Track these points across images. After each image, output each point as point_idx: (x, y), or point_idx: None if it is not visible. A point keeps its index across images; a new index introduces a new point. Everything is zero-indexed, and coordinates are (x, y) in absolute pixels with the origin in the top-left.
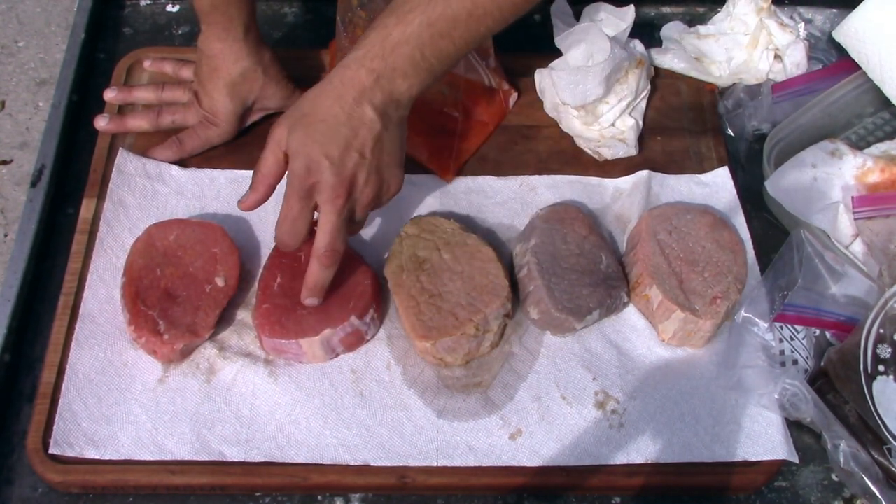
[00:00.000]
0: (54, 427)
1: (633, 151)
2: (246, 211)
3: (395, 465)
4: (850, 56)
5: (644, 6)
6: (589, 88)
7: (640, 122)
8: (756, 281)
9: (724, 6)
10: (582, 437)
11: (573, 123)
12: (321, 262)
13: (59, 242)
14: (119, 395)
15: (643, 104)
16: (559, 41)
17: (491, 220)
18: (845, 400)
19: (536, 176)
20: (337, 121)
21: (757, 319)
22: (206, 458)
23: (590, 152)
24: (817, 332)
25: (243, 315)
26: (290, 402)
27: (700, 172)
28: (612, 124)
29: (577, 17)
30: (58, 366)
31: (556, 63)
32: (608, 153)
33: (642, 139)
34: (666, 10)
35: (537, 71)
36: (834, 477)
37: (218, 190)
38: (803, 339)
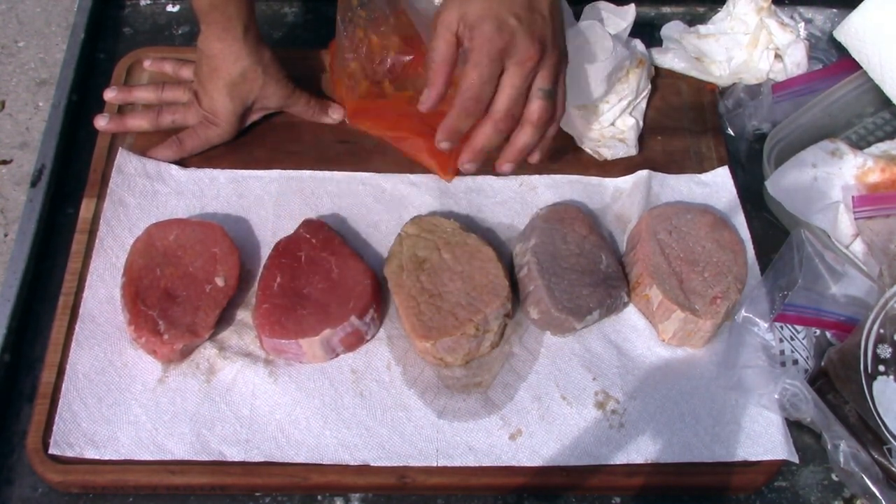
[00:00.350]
0: (54, 427)
1: (633, 151)
2: (427, 111)
3: (395, 465)
4: (850, 56)
5: (644, 6)
6: (591, 87)
7: (641, 122)
8: (756, 281)
9: (725, 6)
10: (582, 437)
11: (574, 123)
12: (496, 126)
13: (58, 242)
14: (119, 395)
15: (643, 104)
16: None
17: (491, 220)
18: (845, 400)
19: (536, 176)
20: None
21: (757, 319)
22: (206, 458)
23: (590, 152)
24: (817, 332)
25: (243, 315)
26: (290, 402)
27: (700, 172)
28: (613, 124)
29: (577, 16)
30: (58, 366)
31: None
32: (608, 153)
33: (642, 139)
34: (666, 9)
35: None
36: (834, 477)
37: (218, 190)
38: (803, 339)
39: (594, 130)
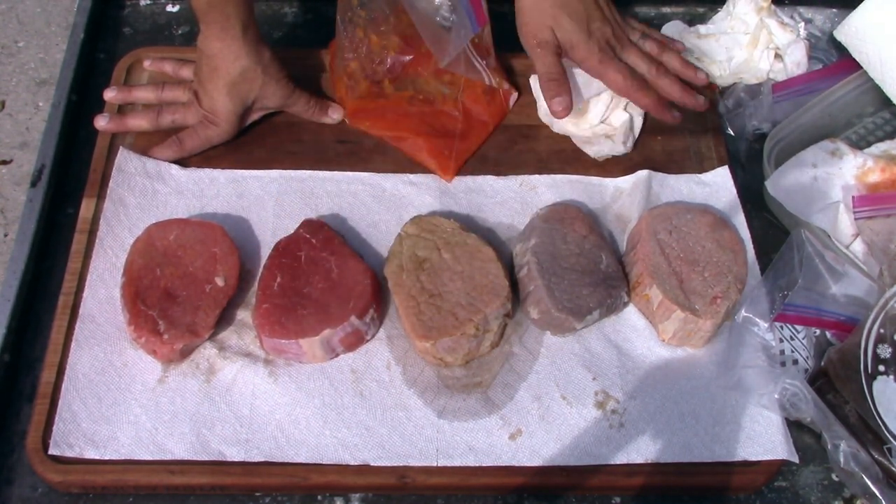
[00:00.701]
0: (54, 427)
1: (620, 149)
2: (563, 117)
3: (395, 465)
4: (850, 55)
5: (644, 6)
6: (580, 85)
7: (639, 120)
8: (756, 281)
9: (725, 6)
10: (582, 437)
11: (566, 125)
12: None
13: (58, 242)
14: (119, 395)
15: None
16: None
17: (491, 220)
18: (845, 400)
19: (536, 176)
20: None
21: (757, 319)
22: (206, 458)
23: (585, 150)
24: (817, 332)
25: (243, 315)
26: (290, 402)
27: (700, 172)
28: (605, 121)
29: None
30: (58, 366)
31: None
32: (592, 150)
33: (642, 139)
34: (666, 9)
35: (532, 76)
36: (834, 477)
37: (218, 190)
38: (803, 339)
39: (585, 130)
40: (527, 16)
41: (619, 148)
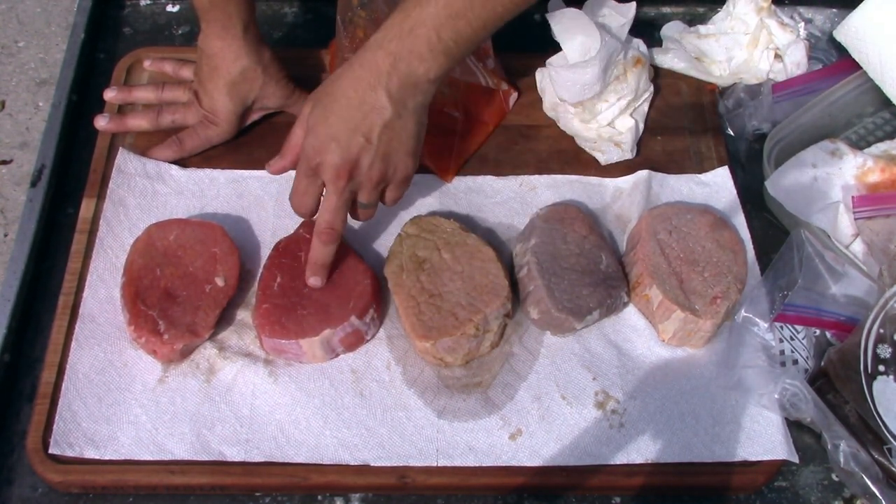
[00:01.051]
0: (54, 427)
1: (628, 155)
2: (273, 174)
3: (395, 465)
4: (850, 56)
5: (644, 6)
6: (587, 84)
7: (641, 125)
8: (756, 281)
9: (725, 6)
10: (582, 437)
11: (571, 123)
12: (320, 239)
13: (58, 242)
14: (119, 395)
15: (645, 106)
16: (551, 17)
17: (491, 220)
18: (845, 400)
19: (536, 176)
20: (350, 104)
21: (757, 319)
22: (206, 458)
23: (590, 152)
24: (817, 332)
25: (243, 315)
26: (290, 402)
27: (700, 172)
28: (610, 124)
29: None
30: (58, 366)
31: (553, 59)
32: (602, 157)
33: (642, 139)
34: (666, 9)
35: (538, 70)
36: (834, 477)
37: (218, 190)
38: (803, 339)
39: (591, 130)
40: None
41: (626, 154)
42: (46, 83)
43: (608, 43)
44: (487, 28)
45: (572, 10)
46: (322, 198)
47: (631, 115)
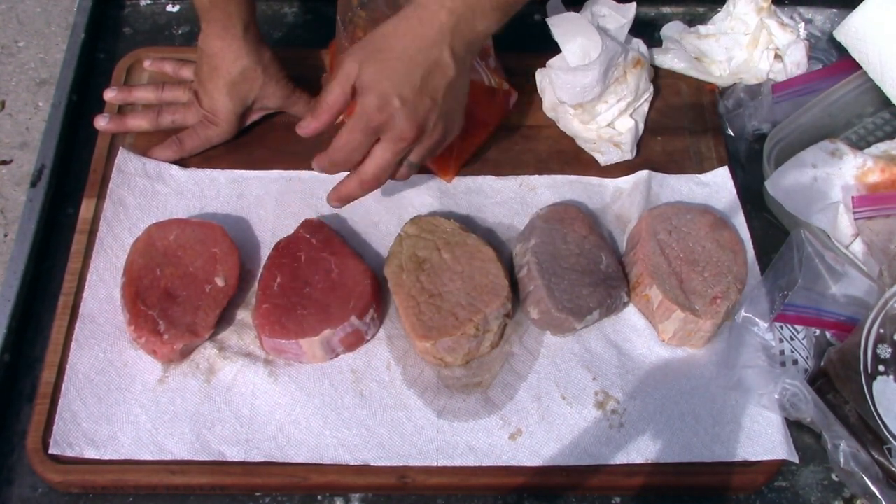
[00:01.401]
0: (54, 427)
1: (628, 156)
2: (305, 136)
3: (395, 465)
4: (850, 56)
5: (644, 6)
6: (587, 86)
7: (641, 126)
8: (756, 281)
9: (725, 6)
10: (582, 437)
11: (571, 123)
12: (362, 185)
13: (58, 242)
14: (119, 395)
15: (645, 107)
16: (550, 21)
17: (491, 220)
18: (845, 400)
19: (536, 176)
20: (413, 62)
21: (757, 319)
22: (206, 458)
23: (590, 153)
24: (817, 332)
25: (243, 315)
26: (290, 402)
27: (700, 172)
28: (610, 125)
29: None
30: (58, 366)
31: (553, 62)
32: (601, 158)
33: (642, 139)
34: (666, 10)
35: (538, 70)
36: (834, 477)
37: (218, 190)
38: (803, 339)
39: (591, 131)
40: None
41: (626, 155)
42: (46, 83)
43: (609, 46)
44: None
45: (572, 14)
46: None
47: (631, 115)
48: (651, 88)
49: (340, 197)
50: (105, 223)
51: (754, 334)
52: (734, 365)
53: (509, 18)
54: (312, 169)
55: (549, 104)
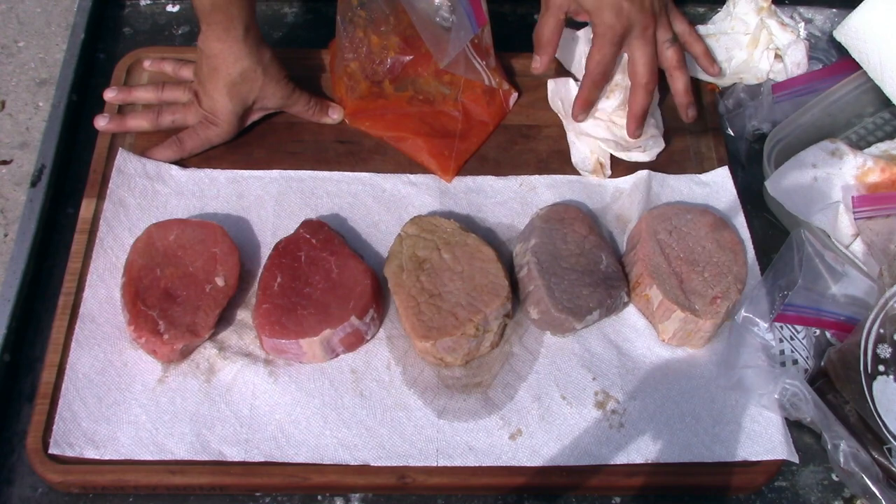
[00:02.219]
0: (54, 427)
1: (662, 144)
2: (540, 73)
3: (395, 465)
4: (850, 56)
5: None
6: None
7: (659, 115)
8: (756, 281)
9: (725, 6)
10: (582, 437)
11: (598, 130)
12: (646, 89)
13: (59, 242)
14: (119, 395)
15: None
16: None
17: (491, 220)
18: (845, 400)
19: (536, 176)
20: None
21: (757, 319)
22: (206, 458)
23: (622, 157)
24: (817, 332)
25: (243, 315)
26: (290, 402)
27: (700, 172)
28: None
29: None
30: (58, 366)
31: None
32: (644, 156)
33: None
34: None
35: (551, 80)
36: (834, 477)
37: (218, 190)
38: (803, 339)
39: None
40: None
41: (661, 143)
42: (46, 83)
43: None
44: None
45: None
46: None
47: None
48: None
49: (637, 118)
50: (105, 223)
51: (754, 334)
52: (734, 365)
53: None
54: (307, 168)
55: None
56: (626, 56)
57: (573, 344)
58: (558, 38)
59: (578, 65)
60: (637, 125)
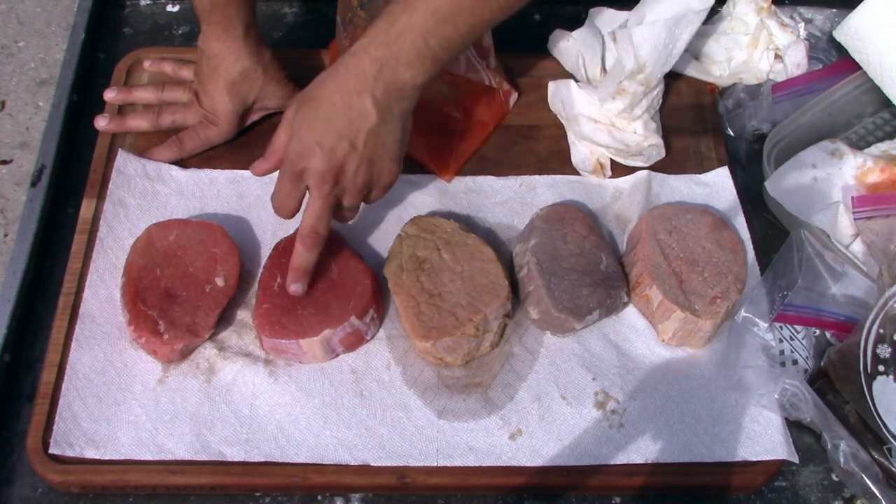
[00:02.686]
0: (54, 427)
1: (663, 152)
2: (257, 176)
3: (395, 465)
4: (850, 56)
5: None
6: (679, 44)
7: (658, 119)
8: (756, 281)
9: (725, 6)
10: (582, 437)
11: (596, 135)
12: (303, 244)
13: (59, 242)
14: (119, 395)
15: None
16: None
17: (491, 220)
18: (845, 400)
19: (536, 176)
20: (335, 109)
21: (757, 319)
22: (206, 458)
23: (625, 162)
24: (817, 332)
25: (243, 315)
26: (290, 402)
27: (700, 172)
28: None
29: (574, 18)
30: (58, 366)
31: (632, 18)
32: (644, 161)
33: None
34: None
35: (552, 82)
36: (834, 477)
37: (218, 190)
38: (803, 339)
39: (627, 134)
40: None
41: (662, 151)
42: (46, 83)
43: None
44: (475, 33)
45: (573, 36)
46: (306, 202)
47: (652, 118)
48: (662, 85)
49: (294, 272)
50: (105, 224)
51: (754, 334)
52: (734, 365)
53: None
54: None
55: (568, 114)
56: (632, 61)
57: (573, 344)
58: (283, 151)
59: (577, 65)
60: (293, 279)
